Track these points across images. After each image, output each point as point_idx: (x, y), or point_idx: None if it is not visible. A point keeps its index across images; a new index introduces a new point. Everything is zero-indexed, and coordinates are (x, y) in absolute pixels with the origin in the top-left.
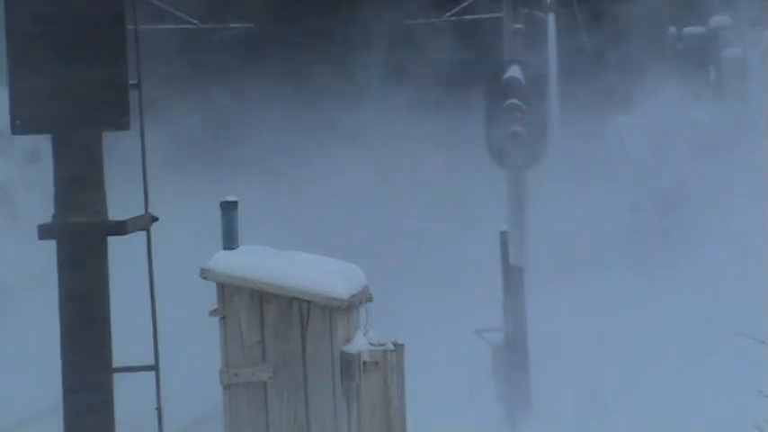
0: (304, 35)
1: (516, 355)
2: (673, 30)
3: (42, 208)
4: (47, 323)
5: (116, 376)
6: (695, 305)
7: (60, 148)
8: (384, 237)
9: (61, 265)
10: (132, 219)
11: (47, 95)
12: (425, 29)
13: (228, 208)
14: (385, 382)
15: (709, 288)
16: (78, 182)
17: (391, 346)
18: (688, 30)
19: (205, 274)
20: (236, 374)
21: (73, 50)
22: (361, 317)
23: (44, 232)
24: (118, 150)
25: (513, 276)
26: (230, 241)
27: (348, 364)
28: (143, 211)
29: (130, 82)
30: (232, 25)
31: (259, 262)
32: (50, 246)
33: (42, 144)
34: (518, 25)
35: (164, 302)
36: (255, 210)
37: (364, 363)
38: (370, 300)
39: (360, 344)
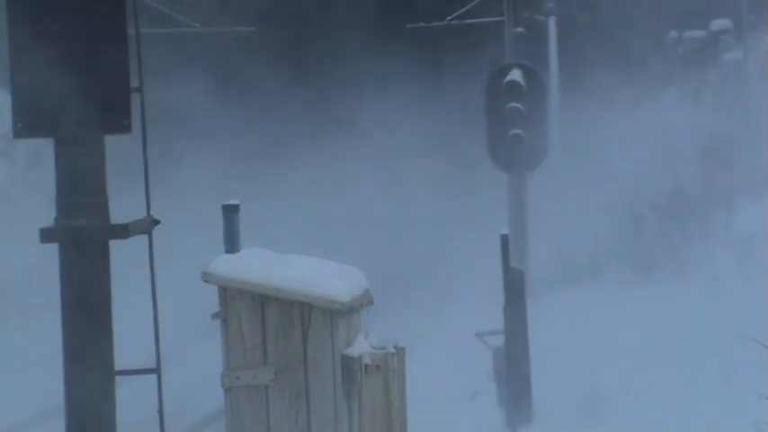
0: (305, 38)
1: (517, 358)
2: (674, 33)
3: (44, 211)
4: (49, 325)
5: (118, 378)
6: (696, 308)
7: (62, 151)
8: (385, 238)
9: (63, 269)
10: (134, 222)
11: (48, 99)
12: (427, 32)
13: (230, 211)
14: (386, 384)
15: (710, 290)
16: (80, 185)
17: (392, 349)
18: (689, 33)
19: (207, 277)
20: (237, 377)
21: (75, 54)
22: (363, 320)
23: (46, 235)
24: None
25: (513, 279)
26: (232, 244)
27: (349, 367)
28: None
29: (132, 85)
30: (233, 28)
31: (260, 265)
32: (53, 249)
33: (44, 147)
34: (519, 29)
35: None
36: (255, 210)
37: (365, 366)
38: (371, 303)
39: (361, 347)
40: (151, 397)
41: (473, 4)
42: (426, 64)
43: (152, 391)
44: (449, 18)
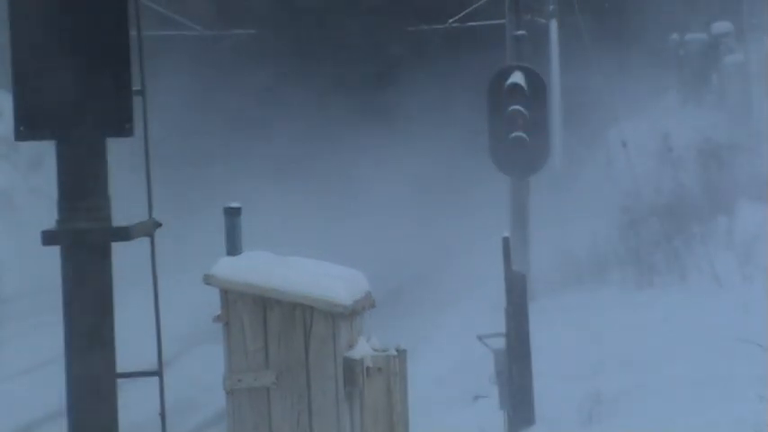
0: (306, 42)
1: (518, 361)
2: (675, 36)
3: (46, 214)
4: (51, 328)
5: (120, 381)
6: (697, 311)
7: (64, 154)
8: (386, 240)
9: (65, 271)
10: (136, 224)
11: (50, 102)
12: (428, 35)
13: (232, 214)
14: (388, 387)
15: (711, 293)
16: (82, 188)
17: (394, 352)
18: (690, 36)
19: (209, 279)
20: (239, 380)
21: (76, 56)
22: (365, 322)
23: (48, 238)
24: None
25: (515, 282)
26: (234, 247)
27: (351, 370)
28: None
29: (134, 88)
30: (235, 31)
31: (262, 268)
32: (54, 251)
33: (46, 150)
34: (520, 32)
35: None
36: (255, 211)
37: (367, 368)
38: (372, 305)
39: (363, 349)
40: (153, 399)
41: (474, 6)
42: (426, 67)
43: (154, 393)
44: (450, 21)
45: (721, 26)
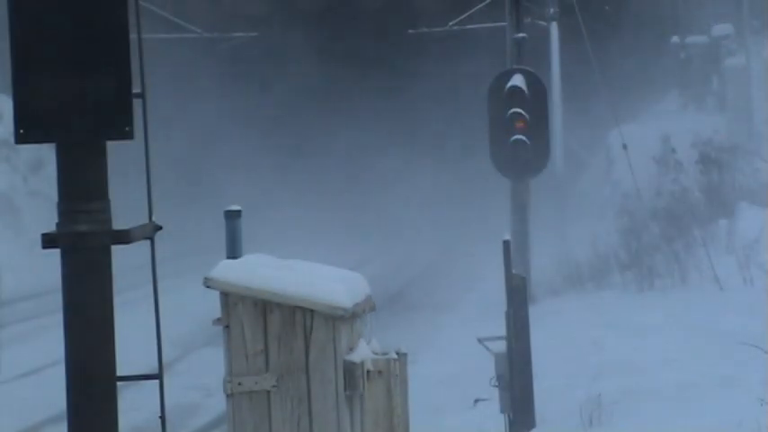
0: (307, 44)
1: (519, 364)
2: (676, 39)
3: (46, 216)
4: (50, 330)
5: (120, 384)
6: (697, 313)
7: (64, 156)
8: (387, 242)
9: (65, 274)
10: (136, 227)
11: (50, 105)
12: (428, 38)
13: (232, 217)
14: (388, 390)
15: (711, 296)
16: (82, 190)
17: (394, 355)
18: (691, 39)
19: (209, 282)
20: (239, 383)
21: (77, 60)
22: (365, 325)
23: (48, 241)
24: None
25: (515, 285)
26: (234, 250)
27: (351, 373)
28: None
29: (134, 91)
30: (235, 34)
31: (262, 271)
32: (55, 254)
33: (46, 153)
34: (521, 34)
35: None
36: (254, 213)
37: (367, 372)
38: (373, 309)
39: (363, 353)
40: (153, 402)
41: (475, 9)
42: (426, 69)
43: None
44: (451, 23)
45: (722, 29)
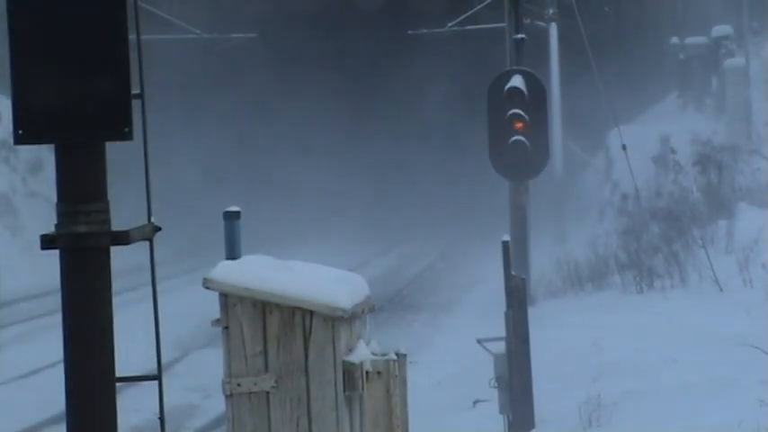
0: (306, 46)
1: (518, 365)
2: (675, 40)
3: (45, 217)
4: (49, 331)
5: (119, 385)
6: (697, 314)
7: (63, 157)
8: (386, 244)
9: (64, 275)
10: (135, 228)
11: (50, 106)
12: (428, 39)
13: (231, 218)
14: (387, 391)
15: (711, 297)
16: (81, 191)
17: (393, 356)
18: (690, 40)
19: (208, 283)
20: (238, 384)
21: (75, 60)
22: (365, 326)
23: (47, 242)
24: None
25: (515, 285)
26: (233, 251)
27: (351, 374)
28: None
29: (133, 92)
30: (234, 35)
31: (262, 272)
32: (54, 255)
33: (45, 154)
34: (520, 35)
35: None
36: (254, 217)
37: (367, 372)
38: (372, 309)
39: (362, 353)
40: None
41: (474, 10)
42: (426, 70)
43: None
44: (450, 24)
45: (722, 30)
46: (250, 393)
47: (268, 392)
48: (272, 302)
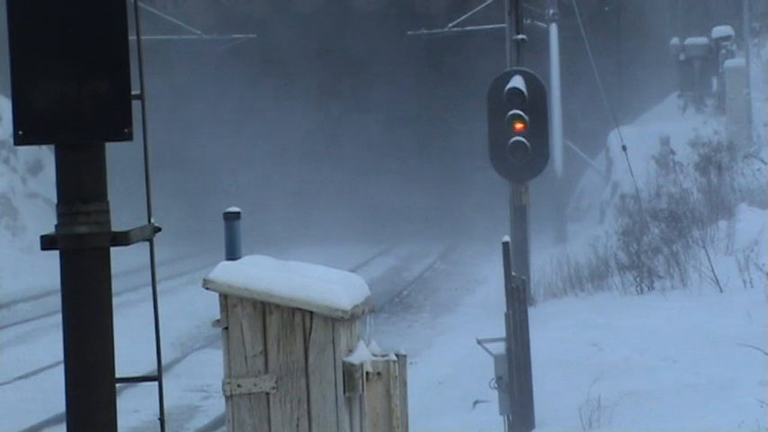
0: (306, 46)
1: (518, 366)
2: (675, 40)
3: (45, 218)
4: (49, 332)
5: (119, 386)
6: (697, 315)
7: (63, 158)
8: (386, 244)
9: (64, 276)
10: (135, 229)
11: (49, 106)
12: (428, 40)
13: (231, 219)
14: (387, 392)
15: (711, 298)
16: (81, 192)
17: (394, 357)
18: (690, 40)
19: (208, 284)
20: (238, 385)
21: (75, 61)
22: (365, 327)
23: (47, 243)
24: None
25: (515, 286)
26: (233, 252)
27: (351, 375)
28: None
29: (133, 92)
30: (234, 36)
31: (262, 272)
32: (54, 256)
33: (45, 155)
34: (520, 36)
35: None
36: (256, 216)
37: (367, 373)
38: (372, 310)
39: (362, 354)
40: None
41: (474, 11)
42: (426, 71)
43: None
44: (450, 25)
45: (722, 30)
46: (250, 394)
47: (268, 393)
48: (272, 303)
